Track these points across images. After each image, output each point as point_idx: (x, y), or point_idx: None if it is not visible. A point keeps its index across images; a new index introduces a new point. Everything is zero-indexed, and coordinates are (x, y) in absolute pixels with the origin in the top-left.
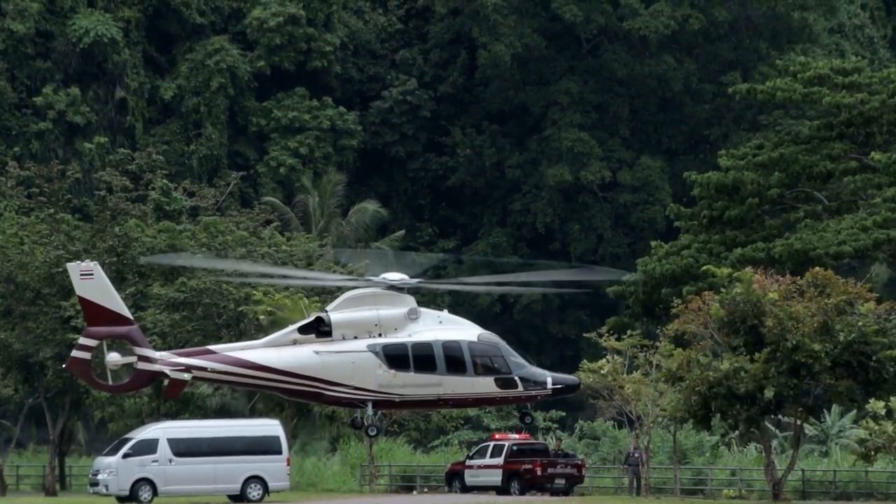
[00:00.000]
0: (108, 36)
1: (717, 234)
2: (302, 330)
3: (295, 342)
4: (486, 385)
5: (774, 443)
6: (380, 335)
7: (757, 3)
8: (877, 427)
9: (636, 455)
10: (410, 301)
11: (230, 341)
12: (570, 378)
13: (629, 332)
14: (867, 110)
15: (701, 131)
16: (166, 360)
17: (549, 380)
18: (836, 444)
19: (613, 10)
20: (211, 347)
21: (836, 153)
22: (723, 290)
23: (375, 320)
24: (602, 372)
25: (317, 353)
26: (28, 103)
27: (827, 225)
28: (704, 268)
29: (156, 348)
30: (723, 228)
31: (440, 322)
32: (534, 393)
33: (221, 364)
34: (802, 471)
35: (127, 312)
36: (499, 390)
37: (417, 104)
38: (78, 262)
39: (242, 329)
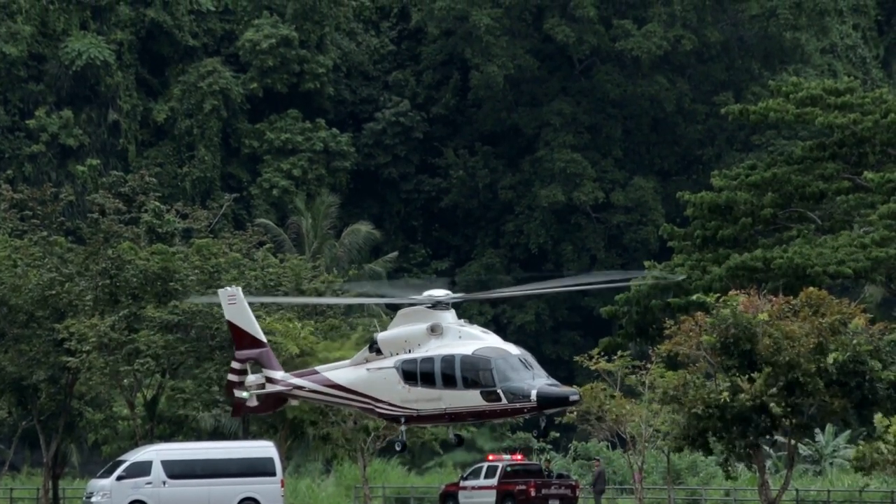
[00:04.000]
0: (100, 58)
1: (711, 254)
2: (370, 348)
3: (366, 360)
4: (473, 398)
5: (768, 463)
6: (409, 351)
7: (749, 23)
8: (876, 445)
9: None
10: (441, 317)
11: (223, 364)
12: (558, 391)
13: (620, 353)
14: (860, 130)
15: (694, 152)
16: (285, 381)
17: (534, 393)
18: (830, 463)
19: (606, 30)
20: (316, 368)
21: (828, 173)
22: (712, 312)
23: (405, 337)
24: (590, 396)
25: (367, 370)
26: (21, 126)
27: (824, 241)
28: (695, 297)
29: (148, 370)
30: (716, 248)
31: (459, 337)
32: (518, 406)
33: (314, 384)
34: (797, 490)
35: (261, 335)
36: (486, 403)
37: (410, 126)
38: (225, 288)
39: None
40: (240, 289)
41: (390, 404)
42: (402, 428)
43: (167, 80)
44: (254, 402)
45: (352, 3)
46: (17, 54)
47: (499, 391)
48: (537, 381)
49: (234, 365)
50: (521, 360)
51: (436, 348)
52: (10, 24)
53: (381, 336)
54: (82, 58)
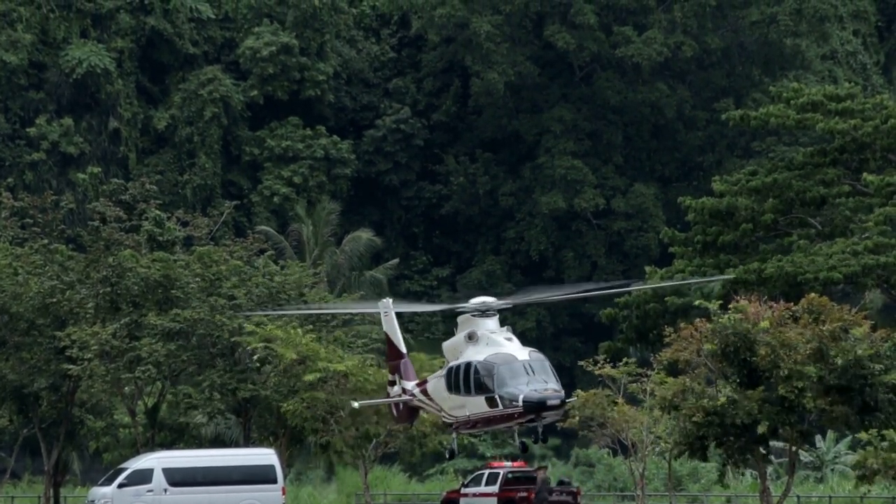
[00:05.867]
0: (101, 66)
1: (711, 259)
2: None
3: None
4: (482, 404)
5: (770, 469)
6: (456, 359)
7: (749, 30)
8: (874, 450)
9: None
10: (482, 324)
11: (225, 371)
12: (537, 395)
13: (624, 359)
14: (861, 136)
15: (694, 158)
16: (410, 391)
17: (521, 397)
18: (832, 469)
19: (606, 37)
20: (428, 377)
21: (829, 179)
22: (713, 319)
23: (454, 345)
24: (593, 402)
25: (437, 378)
26: (21, 134)
27: (819, 248)
28: (696, 302)
29: (150, 378)
30: (717, 253)
31: (487, 344)
32: (511, 411)
33: (419, 392)
34: (798, 497)
35: (402, 346)
36: (489, 409)
37: (411, 133)
38: (383, 300)
39: (237, 359)
40: (391, 301)
41: (445, 412)
42: (454, 435)
43: (167, 87)
44: (398, 412)
45: (352, 10)
46: (18, 62)
47: (496, 397)
48: (529, 387)
49: (389, 377)
50: (524, 366)
51: (467, 356)
52: (11, 32)
53: (444, 345)
54: (83, 66)
